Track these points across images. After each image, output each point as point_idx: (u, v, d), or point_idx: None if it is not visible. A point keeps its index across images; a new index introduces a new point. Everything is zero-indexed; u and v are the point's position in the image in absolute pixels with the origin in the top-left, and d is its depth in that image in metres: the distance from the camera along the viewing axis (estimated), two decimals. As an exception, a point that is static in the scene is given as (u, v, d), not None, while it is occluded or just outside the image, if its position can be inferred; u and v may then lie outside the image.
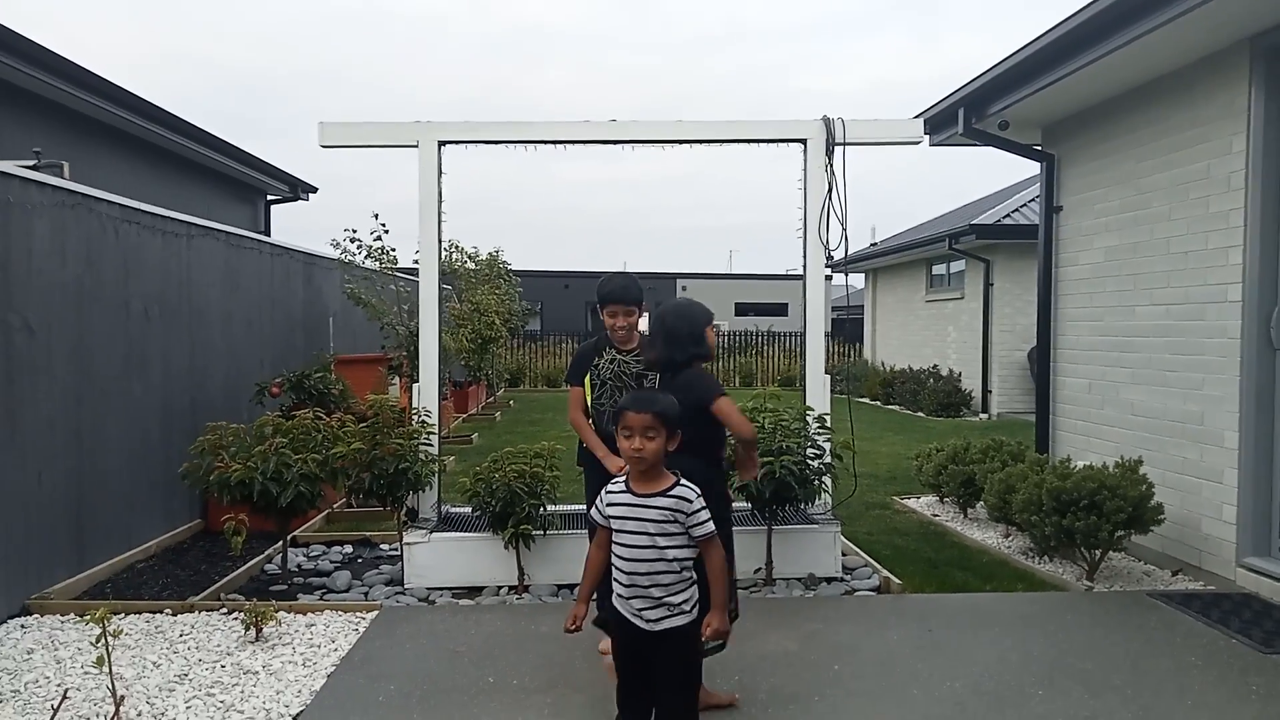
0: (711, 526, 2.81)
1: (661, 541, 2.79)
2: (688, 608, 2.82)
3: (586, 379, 4.28)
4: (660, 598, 2.80)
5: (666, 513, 2.79)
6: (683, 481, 2.85)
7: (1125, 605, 4.85)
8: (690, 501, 2.80)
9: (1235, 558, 5.15)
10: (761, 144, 5.83)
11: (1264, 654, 4.12)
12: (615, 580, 2.88)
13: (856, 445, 5.58)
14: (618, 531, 2.86)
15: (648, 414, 2.81)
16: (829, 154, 5.69)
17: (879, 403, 17.50)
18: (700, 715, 2.94)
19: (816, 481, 5.15)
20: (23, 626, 4.53)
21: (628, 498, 2.86)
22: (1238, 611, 4.69)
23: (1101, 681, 3.83)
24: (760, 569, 5.24)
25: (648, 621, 2.82)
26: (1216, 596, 4.98)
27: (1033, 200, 14.98)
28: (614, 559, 2.88)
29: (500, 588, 5.20)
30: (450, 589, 5.18)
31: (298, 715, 3.53)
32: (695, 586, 2.86)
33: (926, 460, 7.54)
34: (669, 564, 2.79)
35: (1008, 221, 14.97)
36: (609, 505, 2.90)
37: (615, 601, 2.90)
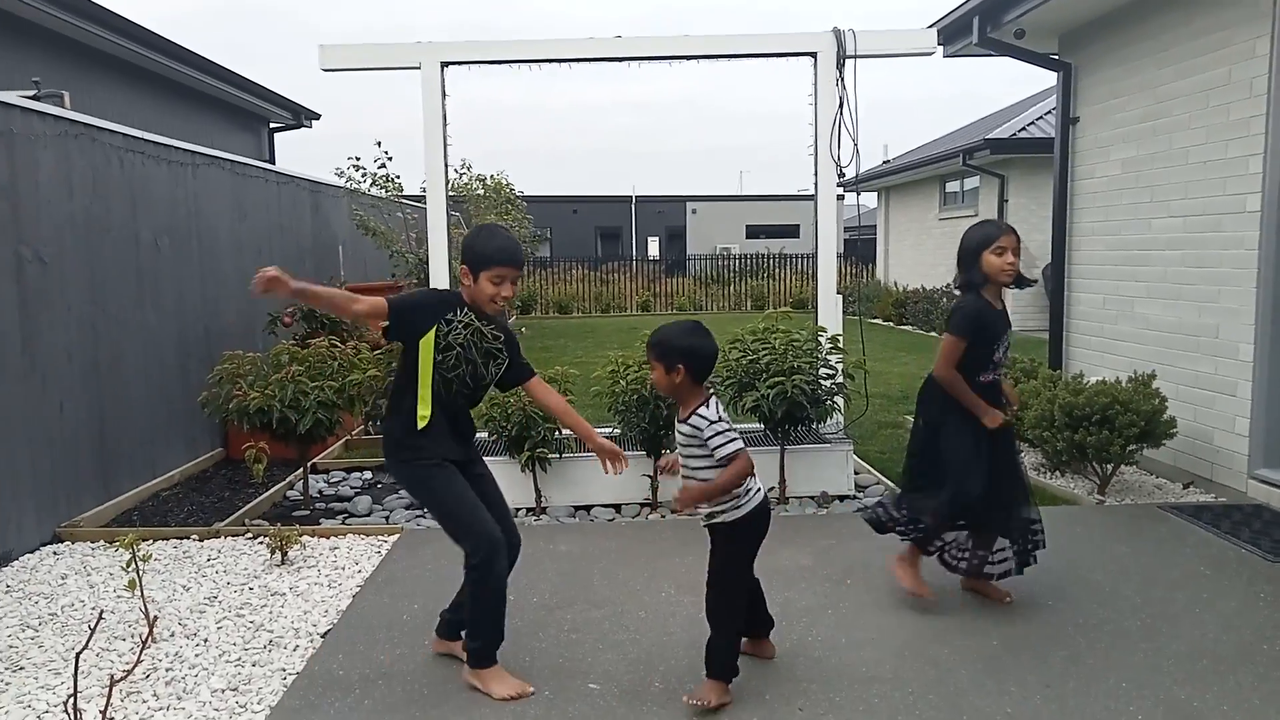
0: (731, 448, 2.88)
1: (692, 463, 2.97)
2: (721, 511, 2.98)
3: (432, 332, 3.08)
4: (700, 506, 3.00)
5: (686, 437, 2.96)
6: (700, 410, 2.93)
7: (1136, 518, 4.91)
8: (701, 428, 2.91)
9: (1247, 469, 5.18)
10: (770, 58, 5.71)
11: (1273, 563, 4.17)
12: None
13: (869, 365, 5.59)
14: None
15: (647, 346, 3.02)
16: (840, 67, 5.57)
17: (891, 323, 17.45)
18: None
19: (829, 401, 5.18)
20: (55, 553, 4.65)
21: (678, 418, 3.03)
22: (1248, 522, 4.73)
23: (1112, 591, 3.89)
24: (774, 487, 5.31)
25: (703, 515, 3.03)
26: (1227, 508, 5.02)
27: (1049, 113, 14.65)
28: None
29: (518, 509, 5.29)
30: (469, 511, 5.26)
31: (325, 633, 3.63)
32: (735, 496, 2.98)
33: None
34: (701, 482, 2.96)
35: (1023, 135, 14.67)
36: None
37: None
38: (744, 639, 3.18)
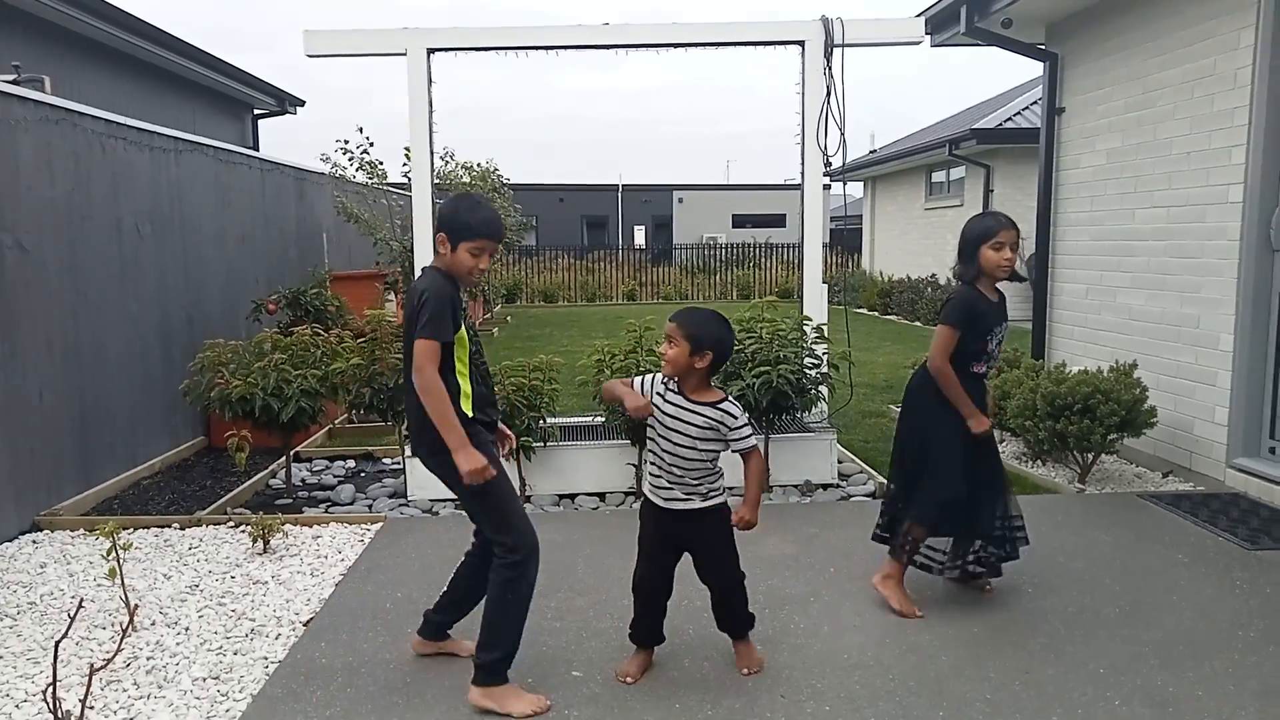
0: (753, 441, 3.03)
1: (701, 445, 3.02)
2: (717, 494, 3.09)
3: (463, 329, 2.99)
4: (695, 485, 3.05)
5: (710, 422, 2.99)
6: (730, 400, 3.05)
7: (1116, 506, 4.94)
8: (735, 417, 3.00)
9: (1225, 459, 5.22)
10: (758, 46, 5.70)
11: (1249, 550, 4.22)
12: (652, 469, 3.10)
13: (854, 355, 5.60)
14: (661, 425, 3.03)
15: (671, 322, 3.02)
16: (827, 56, 5.56)
17: (876, 313, 17.50)
18: None
19: (813, 391, 5.18)
20: (34, 542, 4.62)
21: (680, 399, 3.03)
22: (1226, 510, 4.78)
23: (1091, 579, 3.92)
24: (758, 476, 5.32)
25: (684, 503, 3.06)
26: (1206, 497, 5.07)
27: (1035, 103, 14.69)
28: (654, 451, 3.07)
29: (502, 498, 5.28)
30: (453, 500, 5.22)
31: (308, 622, 3.62)
32: (722, 477, 3.11)
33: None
34: (704, 461, 3.04)
35: (1009, 125, 14.72)
36: (659, 395, 3.07)
37: (649, 492, 3.12)
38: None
